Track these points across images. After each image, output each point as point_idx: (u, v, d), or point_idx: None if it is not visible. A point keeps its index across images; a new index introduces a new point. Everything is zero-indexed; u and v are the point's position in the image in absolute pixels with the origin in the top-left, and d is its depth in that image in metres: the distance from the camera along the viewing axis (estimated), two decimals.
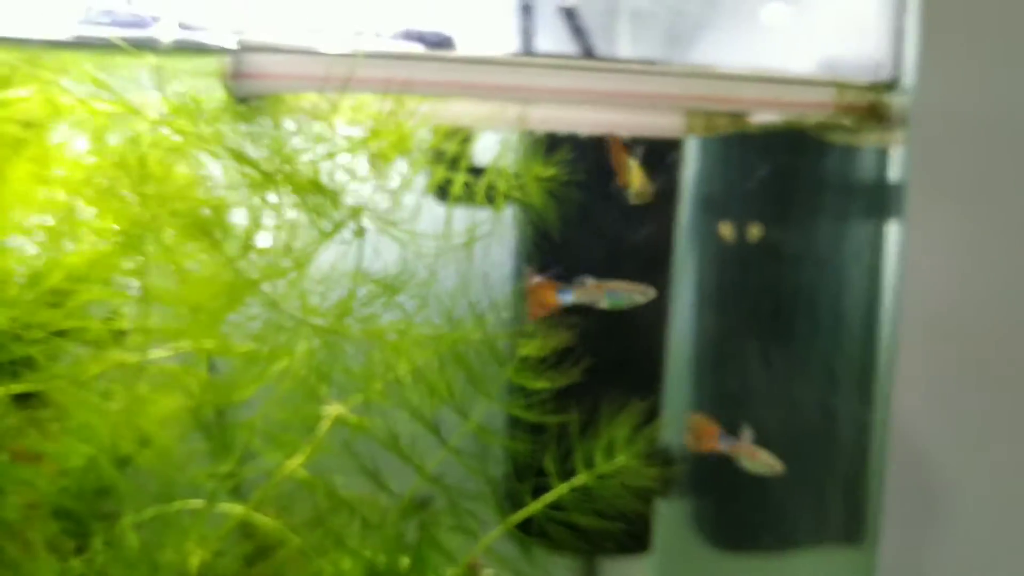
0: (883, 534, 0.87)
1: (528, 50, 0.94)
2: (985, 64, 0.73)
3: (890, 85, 0.70)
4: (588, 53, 0.94)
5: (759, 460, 0.80)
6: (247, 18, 0.65)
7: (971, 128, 0.73)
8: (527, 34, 0.95)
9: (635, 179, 0.69)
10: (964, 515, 1.12)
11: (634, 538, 0.99)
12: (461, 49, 0.79)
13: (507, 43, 0.94)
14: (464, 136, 0.72)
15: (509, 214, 0.77)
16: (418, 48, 0.68)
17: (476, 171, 0.75)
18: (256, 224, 0.63)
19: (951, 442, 1.00)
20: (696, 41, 0.96)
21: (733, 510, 1.01)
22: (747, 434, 0.81)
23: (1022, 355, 0.93)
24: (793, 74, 0.68)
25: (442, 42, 0.81)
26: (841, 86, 0.68)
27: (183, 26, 0.61)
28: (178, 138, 0.64)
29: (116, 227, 0.64)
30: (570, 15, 0.96)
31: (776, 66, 0.84)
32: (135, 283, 0.65)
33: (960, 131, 0.73)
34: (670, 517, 1.04)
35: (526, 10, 0.95)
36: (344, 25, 0.71)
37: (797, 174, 0.85)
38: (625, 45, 1.03)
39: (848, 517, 0.90)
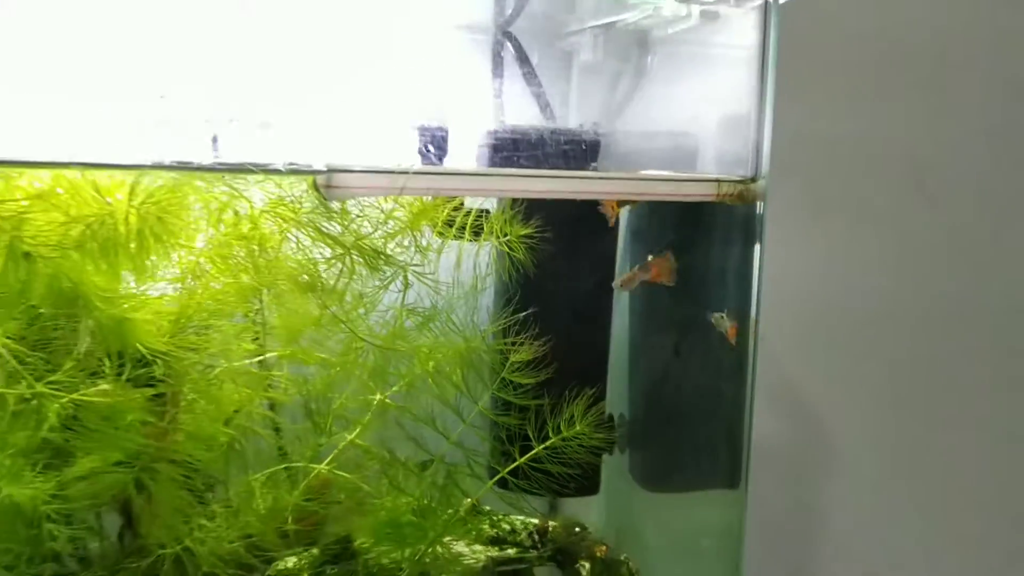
0: (750, 481, 1.18)
1: (501, 120, 1.26)
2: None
3: (753, 179, 1.05)
4: (551, 119, 1.27)
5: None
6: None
7: (799, 198, 1.09)
8: (499, 109, 1.27)
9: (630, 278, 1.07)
10: (813, 467, 1.52)
11: (587, 482, 1.33)
12: (453, 134, 1.11)
13: (486, 118, 1.26)
14: (468, 209, 1.05)
15: (498, 260, 1.10)
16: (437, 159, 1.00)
17: (476, 233, 1.08)
18: (339, 279, 0.96)
19: (803, 410, 1.39)
20: (625, 110, 1.31)
21: (655, 461, 1.33)
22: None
23: (843, 332, 1.32)
24: (687, 175, 1.02)
25: (442, 136, 1.13)
26: (719, 182, 1.02)
27: (289, 163, 0.92)
28: (284, 224, 0.96)
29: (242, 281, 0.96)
30: (539, 96, 1.28)
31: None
32: (256, 319, 0.97)
33: (793, 201, 1.09)
34: (613, 467, 1.39)
35: (498, 95, 1.27)
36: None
37: (696, 220, 1.19)
38: (575, 114, 1.36)
39: (730, 467, 1.20)
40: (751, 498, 1.29)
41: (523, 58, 1.25)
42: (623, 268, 1.29)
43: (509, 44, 1.25)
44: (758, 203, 1.08)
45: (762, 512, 1.47)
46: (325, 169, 0.91)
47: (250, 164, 0.90)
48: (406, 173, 0.92)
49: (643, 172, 1.06)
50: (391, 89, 1.11)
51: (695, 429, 1.29)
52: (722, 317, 1.13)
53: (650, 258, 1.19)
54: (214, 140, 0.95)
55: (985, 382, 1.71)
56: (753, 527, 1.33)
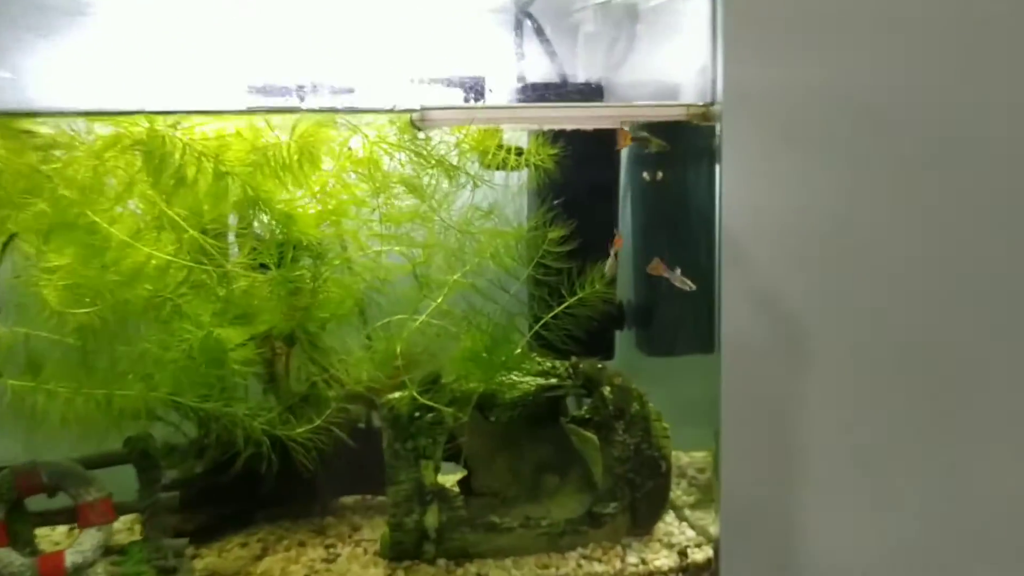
0: (722, 349, 1.55)
1: (522, 75, 1.69)
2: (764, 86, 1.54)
3: (711, 103, 1.48)
4: (562, 73, 1.70)
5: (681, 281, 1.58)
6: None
7: (750, 122, 1.53)
8: (521, 68, 1.70)
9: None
10: (772, 338, 1.96)
11: (605, 348, 1.73)
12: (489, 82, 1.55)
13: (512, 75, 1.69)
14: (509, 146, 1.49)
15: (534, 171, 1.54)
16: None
17: (519, 152, 1.52)
18: (429, 183, 1.41)
19: (757, 293, 1.83)
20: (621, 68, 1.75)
21: (652, 333, 1.75)
22: (677, 271, 1.60)
23: (809, 240, 1.76)
24: (667, 103, 1.46)
25: (477, 83, 1.56)
26: (688, 106, 1.46)
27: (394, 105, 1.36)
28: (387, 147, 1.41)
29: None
30: (553, 59, 1.72)
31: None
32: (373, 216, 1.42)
33: (745, 124, 1.52)
34: (623, 337, 1.84)
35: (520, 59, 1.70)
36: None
37: (675, 142, 1.63)
38: (581, 73, 1.80)
39: (707, 337, 1.57)
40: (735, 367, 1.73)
41: (540, 30, 1.69)
42: (625, 180, 1.73)
43: (528, 21, 1.69)
44: (716, 124, 1.52)
45: (742, 378, 1.92)
46: (419, 108, 1.37)
47: (369, 107, 1.35)
48: (473, 108, 1.37)
49: (636, 102, 1.51)
50: (443, 55, 1.55)
51: (678, 301, 1.72)
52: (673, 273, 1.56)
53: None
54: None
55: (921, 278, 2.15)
56: (735, 383, 1.77)
